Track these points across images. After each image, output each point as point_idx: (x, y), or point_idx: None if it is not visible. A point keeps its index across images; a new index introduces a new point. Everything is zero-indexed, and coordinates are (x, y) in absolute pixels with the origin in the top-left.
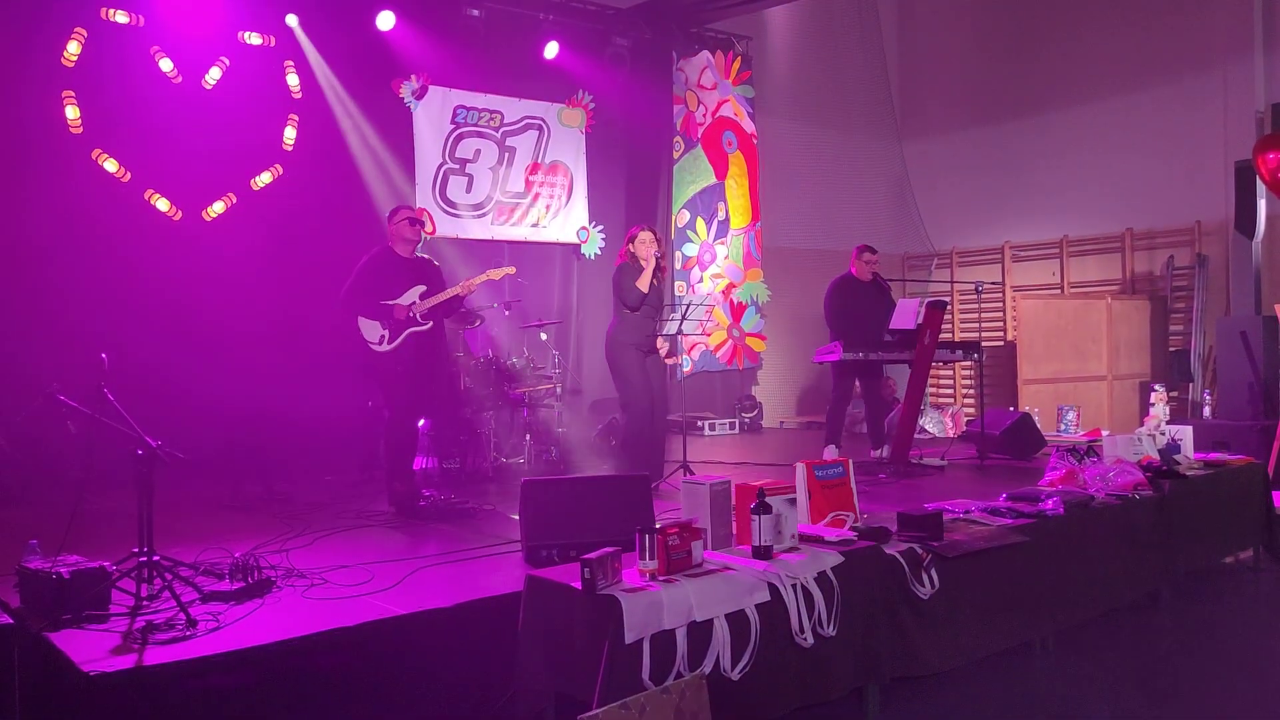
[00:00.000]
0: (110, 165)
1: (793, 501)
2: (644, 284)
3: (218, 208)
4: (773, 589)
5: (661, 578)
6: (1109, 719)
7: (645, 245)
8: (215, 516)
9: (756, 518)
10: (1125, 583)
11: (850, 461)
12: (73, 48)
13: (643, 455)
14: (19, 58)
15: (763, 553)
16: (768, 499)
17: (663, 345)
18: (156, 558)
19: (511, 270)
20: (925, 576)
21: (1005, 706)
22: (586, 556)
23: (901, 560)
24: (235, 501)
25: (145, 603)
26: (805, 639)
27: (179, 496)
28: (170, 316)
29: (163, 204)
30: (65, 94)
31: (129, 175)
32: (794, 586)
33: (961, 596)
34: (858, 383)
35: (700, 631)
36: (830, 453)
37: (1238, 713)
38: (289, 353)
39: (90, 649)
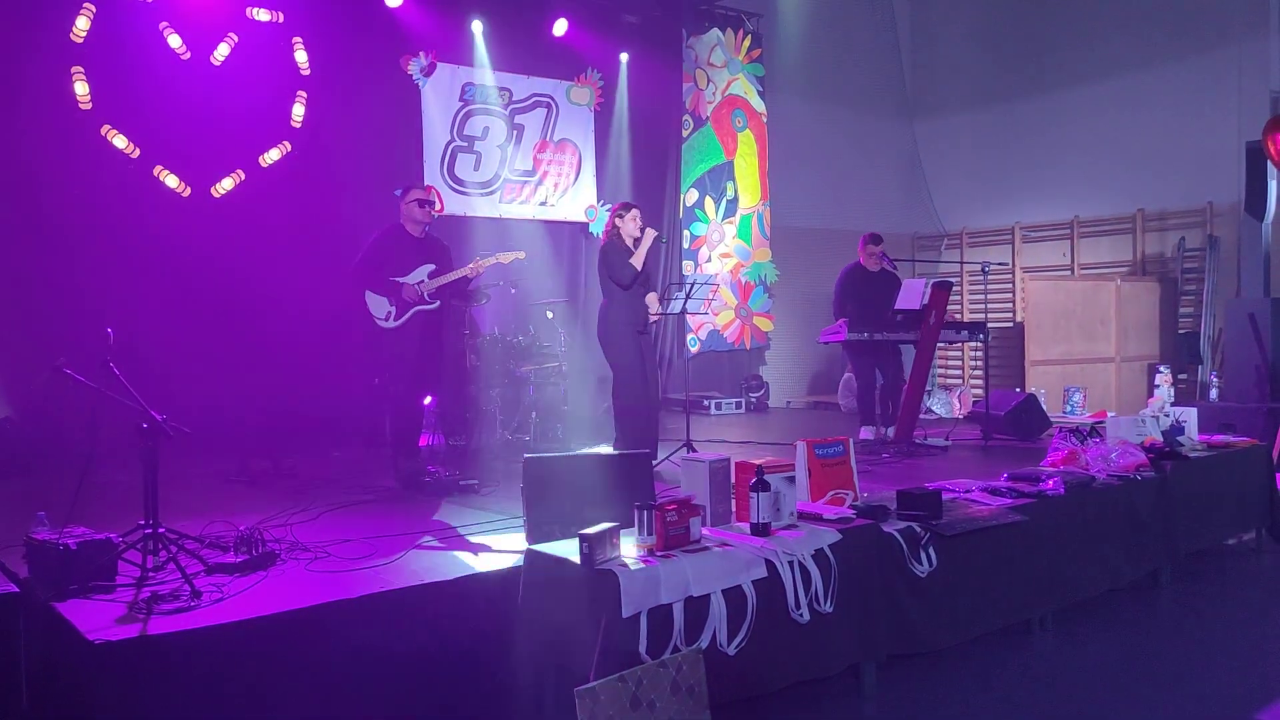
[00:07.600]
0: (119, 141)
1: (792, 480)
2: (638, 261)
3: (226, 184)
4: (770, 565)
5: (659, 553)
6: (1105, 697)
7: (633, 222)
8: (222, 490)
9: (755, 495)
10: (1126, 563)
11: (851, 440)
12: (82, 23)
13: (639, 435)
14: (28, 33)
15: (760, 530)
16: (766, 477)
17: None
18: (162, 530)
19: (521, 255)
20: (923, 554)
21: (1002, 684)
22: (585, 532)
23: (899, 538)
24: (242, 476)
25: (150, 574)
26: (801, 615)
27: (186, 470)
28: (178, 292)
29: (172, 180)
30: (74, 70)
31: (138, 151)
32: (791, 563)
33: (959, 575)
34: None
35: (697, 606)
36: (868, 433)
37: (1237, 694)
38: (296, 328)
39: (96, 618)
